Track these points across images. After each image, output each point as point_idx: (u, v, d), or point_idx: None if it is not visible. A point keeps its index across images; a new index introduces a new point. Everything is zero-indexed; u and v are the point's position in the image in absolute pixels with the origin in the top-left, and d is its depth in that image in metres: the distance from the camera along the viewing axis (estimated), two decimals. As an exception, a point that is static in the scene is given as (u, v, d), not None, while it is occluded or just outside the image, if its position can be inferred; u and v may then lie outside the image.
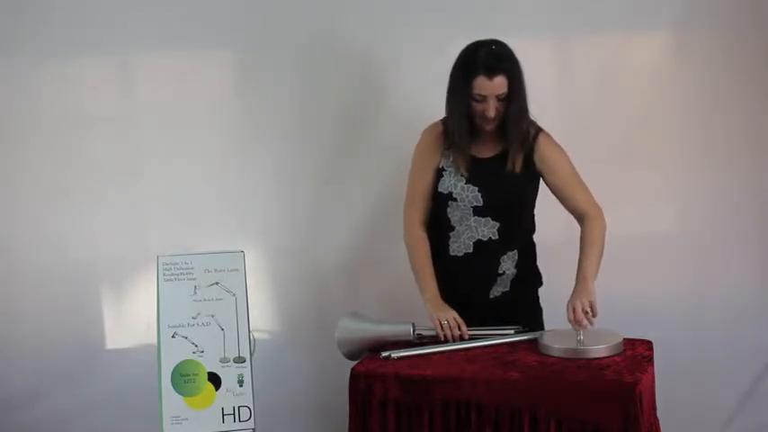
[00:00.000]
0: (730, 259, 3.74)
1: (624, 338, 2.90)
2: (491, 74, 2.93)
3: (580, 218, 3.07)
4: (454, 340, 2.98)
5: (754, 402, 3.73)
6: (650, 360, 2.83)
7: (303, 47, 3.65)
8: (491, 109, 2.96)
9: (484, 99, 2.96)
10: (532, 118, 3.06)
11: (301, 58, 3.66)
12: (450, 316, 3.00)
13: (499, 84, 2.94)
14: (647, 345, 2.93)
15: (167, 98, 3.68)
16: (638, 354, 2.85)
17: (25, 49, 3.60)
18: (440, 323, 2.98)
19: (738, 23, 3.64)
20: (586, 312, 2.85)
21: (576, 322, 2.85)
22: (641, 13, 3.63)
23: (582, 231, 3.04)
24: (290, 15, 3.63)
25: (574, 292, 2.92)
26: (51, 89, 3.65)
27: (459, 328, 2.99)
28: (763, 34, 3.65)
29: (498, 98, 2.96)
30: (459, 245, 3.12)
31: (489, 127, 3.03)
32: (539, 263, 3.22)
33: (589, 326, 2.87)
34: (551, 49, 3.73)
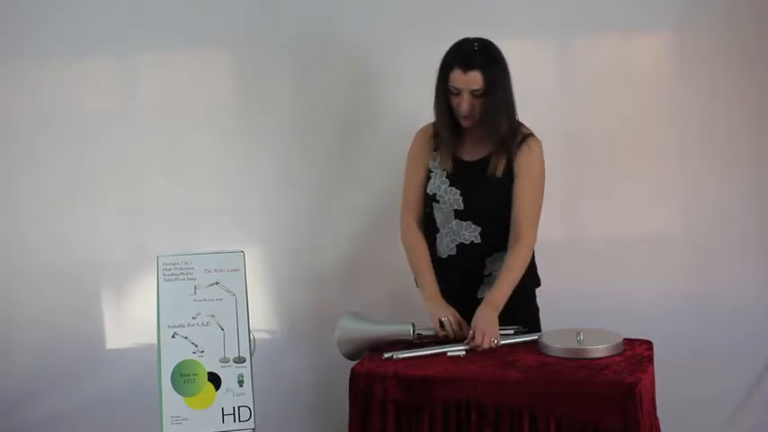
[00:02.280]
0: (730, 259, 3.74)
1: (624, 338, 2.90)
2: (466, 67, 2.93)
3: (514, 238, 3.01)
4: (455, 339, 2.97)
5: (754, 402, 3.73)
6: (650, 360, 2.83)
7: (303, 47, 3.65)
8: (464, 103, 2.96)
9: (459, 93, 2.96)
10: (524, 124, 3.04)
11: (301, 59, 3.65)
12: (450, 314, 2.99)
13: (473, 78, 2.94)
14: (647, 345, 2.93)
15: (167, 98, 3.68)
16: (638, 354, 2.85)
17: (25, 49, 3.61)
18: (440, 321, 2.98)
19: (738, 23, 3.64)
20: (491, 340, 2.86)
21: (478, 344, 2.87)
22: (641, 13, 3.63)
23: (508, 254, 3.00)
24: (290, 15, 3.63)
25: (479, 315, 2.91)
26: (51, 89, 3.65)
27: (460, 327, 2.98)
28: (763, 34, 3.65)
29: (473, 94, 2.96)
30: (444, 247, 3.12)
31: (466, 123, 3.02)
32: (537, 263, 3.21)
33: (583, 326, 2.89)
34: (551, 49, 3.73)
